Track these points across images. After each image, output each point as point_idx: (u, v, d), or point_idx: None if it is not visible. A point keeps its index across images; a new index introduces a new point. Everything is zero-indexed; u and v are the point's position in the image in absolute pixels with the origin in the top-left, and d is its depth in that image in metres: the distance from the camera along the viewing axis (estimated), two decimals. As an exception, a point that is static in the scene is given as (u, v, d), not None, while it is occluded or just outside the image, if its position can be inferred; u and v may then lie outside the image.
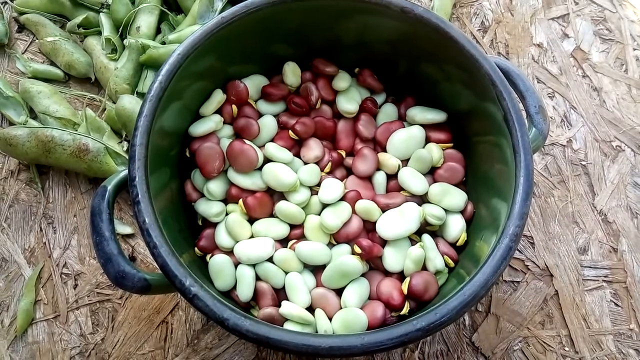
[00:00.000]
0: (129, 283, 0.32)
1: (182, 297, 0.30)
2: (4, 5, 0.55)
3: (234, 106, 0.41)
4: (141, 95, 0.48)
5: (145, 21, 0.50)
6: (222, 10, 0.49)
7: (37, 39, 0.54)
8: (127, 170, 0.36)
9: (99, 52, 0.51)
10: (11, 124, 0.50)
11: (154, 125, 0.34)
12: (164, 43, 0.49)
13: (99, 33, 0.52)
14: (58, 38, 0.52)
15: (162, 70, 0.35)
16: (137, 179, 0.32)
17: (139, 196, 0.32)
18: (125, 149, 0.47)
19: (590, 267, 0.45)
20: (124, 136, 0.48)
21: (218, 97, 0.41)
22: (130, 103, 0.45)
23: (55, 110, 0.48)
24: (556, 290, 0.44)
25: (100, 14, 0.52)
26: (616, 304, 0.44)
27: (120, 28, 0.50)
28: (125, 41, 0.49)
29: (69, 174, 0.48)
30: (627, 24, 0.55)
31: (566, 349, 0.42)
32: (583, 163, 0.49)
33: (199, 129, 0.40)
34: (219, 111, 0.41)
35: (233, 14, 0.37)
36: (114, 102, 0.49)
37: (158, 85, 0.35)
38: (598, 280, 0.44)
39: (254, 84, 0.43)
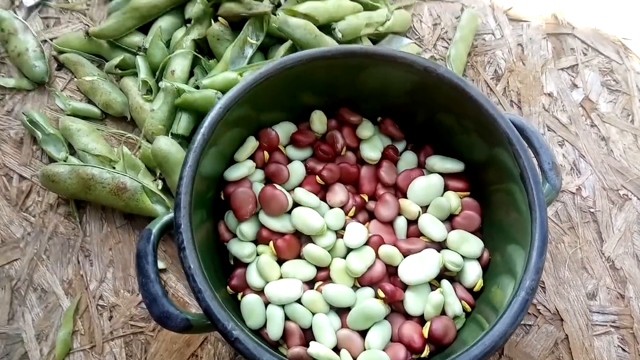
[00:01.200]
0: (172, 323, 0.35)
1: (224, 338, 0.32)
2: (44, 43, 0.59)
3: (265, 152, 0.44)
4: (175, 136, 0.51)
5: (180, 65, 0.53)
6: (252, 58, 0.52)
7: (75, 77, 0.57)
8: (167, 216, 0.39)
9: (134, 92, 0.54)
10: (51, 159, 0.53)
11: (195, 174, 0.37)
12: (197, 87, 0.52)
13: (135, 74, 0.55)
14: (96, 78, 0.55)
15: (205, 123, 0.38)
16: (182, 226, 0.35)
17: (185, 243, 0.34)
18: (159, 187, 0.50)
19: (598, 312, 0.47)
20: (157, 174, 0.51)
21: (251, 143, 0.44)
22: (166, 144, 0.48)
23: (94, 148, 0.51)
24: (566, 335, 0.46)
25: (137, 56, 0.55)
26: (623, 349, 0.46)
27: (157, 72, 0.53)
28: (160, 84, 0.52)
29: (105, 209, 0.51)
30: (633, 76, 0.58)
31: (575, 390, 0.44)
32: (592, 210, 0.51)
33: (233, 173, 0.43)
34: (251, 157, 0.44)
35: (269, 71, 0.40)
36: (149, 141, 0.52)
37: (201, 137, 0.38)
38: (606, 325, 0.47)
39: (283, 130, 0.45)
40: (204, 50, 0.55)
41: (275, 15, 0.52)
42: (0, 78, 0.57)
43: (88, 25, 0.60)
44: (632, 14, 0.62)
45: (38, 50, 0.57)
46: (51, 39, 0.59)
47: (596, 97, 0.57)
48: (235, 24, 0.53)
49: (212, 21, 0.53)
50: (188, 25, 0.54)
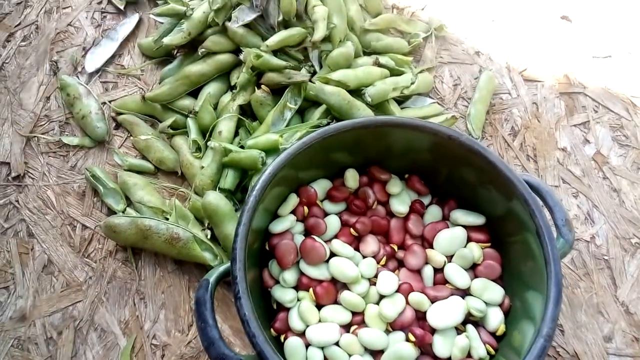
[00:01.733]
0: (228, 364, 0.39)
1: (275, 379, 0.37)
2: (104, 105, 0.66)
3: (305, 207, 0.49)
4: (222, 191, 0.56)
5: (226, 126, 0.59)
6: (290, 120, 0.58)
7: (131, 136, 0.64)
8: (222, 267, 0.44)
9: (185, 150, 0.60)
10: (110, 210, 0.59)
11: (249, 231, 0.43)
12: (242, 146, 0.58)
13: (185, 134, 0.62)
14: (150, 137, 0.62)
15: (257, 186, 0.44)
16: (238, 278, 0.40)
17: (240, 292, 0.39)
18: (208, 236, 0.55)
19: (615, 354, 0.50)
20: (206, 224, 0.56)
21: (293, 200, 0.49)
22: (215, 199, 0.54)
23: (149, 200, 0.57)
24: (584, 375, 0.50)
25: (188, 118, 0.61)
26: (639, 390, 0.49)
27: (208, 133, 0.59)
28: (209, 143, 0.58)
29: (158, 255, 0.56)
30: (642, 131, 0.63)
31: None
32: (605, 258, 0.55)
33: (277, 227, 0.48)
34: (293, 211, 0.49)
35: (311, 140, 0.46)
36: (198, 194, 0.58)
37: (253, 199, 0.43)
38: (622, 367, 0.50)
39: (320, 187, 0.51)
40: (248, 113, 0.61)
41: (311, 82, 0.58)
42: (65, 137, 0.64)
43: (143, 90, 0.67)
44: (639, 74, 0.67)
45: (100, 112, 0.64)
46: (110, 101, 0.66)
47: (607, 151, 0.62)
48: (276, 91, 0.59)
49: (256, 88, 0.60)
50: (233, 90, 0.61)
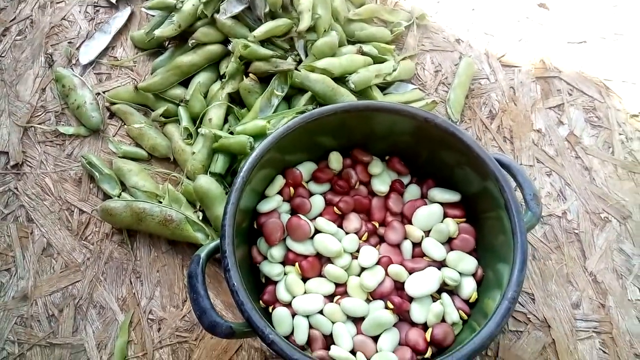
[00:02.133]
0: (219, 330, 0.42)
1: (262, 341, 0.40)
2: (98, 95, 0.68)
3: (291, 188, 0.52)
4: (213, 175, 0.59)
5: (216, 114, 0.62)
6: (277, 107, 0.61)
7: (125, 125, 0.66)
8: (212, 244, 0.47)
9: (177, 137, 0.63)
10: (106, 195, 0.62)
11: (237, 209, 0.46)
12: (231, 132, 0.61)
13: (177, 122, 0.64)
14: (143, 125, 0.64)
15: (244, 167, 0.47)
16: (227, 252, 0.43)
17: (229, 265, 0.42)
18: (200, 218, 0.58)
19: (582, 320, 0.54)
20: (198, 207, 0.59)
21: (279, 181, 0.52)
22: (206, 182, 0.57)
23: (143, 185, 0.60)
24: (553, 339, 0.53)
25: (179, 107, 0.64)
26: (604, 352, 0.52)
27: (197, 120, 0.62)
28: (200, 130, 0.61)
29: (153, 237, 0.59)
30: (613, 113, 0.66)
31: (562, 390, 0.51)
32: (576, 231, 0.58)
33: (265, 206, 0.51)
34: (279, 192, 0.52)
35: (295, 124, 0.48)
36: (190, 179, 0.61)
37: (241, 179, 0.46)
38: (589, 331, 0.53)
39: (305, 169, 0.54)
40: (237, 101, 0.64)
41: (297, 70, 0.61)
42: (61, 126, 0.66)
43: (136, 80, 0.69)
44: (612, 58, 0.70)
45: (94, 103, 0.66)
46: (104, 92, 0.69)
47: (580, 132, 0.65)
48: (263, 79, 0.62)
49: (244, 77, 0.62)
50: (222, 79, 0.64)
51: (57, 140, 0.66)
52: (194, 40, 0.65)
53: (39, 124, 0.67)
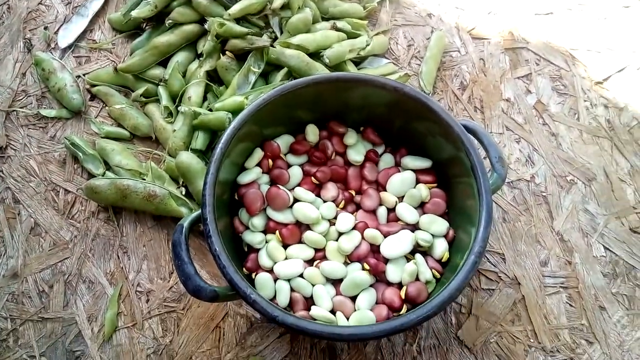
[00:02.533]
0: (203, 294, 0.44)
1: (245, 302, 0.42)
2: (78, 78, 0.70)
3: (269, 160, 0.54)
4: (194, 151, 0.61)
5: (195, 92, 0.63)
6: (255, 83, 0.63)
7: (106, 106, 0.68)
8: (195, 213, 0.49)
9: (158, 116, 0.64)
10: (90, 175, 0.63)
11: (216, 179, 0.47)
12: (210, 109, 0.62)
13: (157, 101, 0.66)
14: (124, 105, 0.66)
15: (222, 139, 0.48)
16: (208, 220, 0.45)
17: (211, 231, 0.45)
18: (183, 193, 0.60)
19: (549, 276, 0.57)
20: (180, 183, 0.61)
21: (258, 154, 0.54)
22: (187, 158, 0.58)
23: (126, 164, 0.62)
24: (523, 295, 0.56)
25: (159, 86, 0.65)
26: (570, 305, 0.56)
27: (177, 99, 0.64)
28: (179, 108, 0.62)
29: (138, 213, 0.61)
30: (579, 80, 0.69)
31: (531, 340, 0.54)
32: (544, 194, 0.61)
33: (244, 178, 0.53)
34: (258, 164, 0.54)
35: (270, 96, 0.50)
36: (172, 156, 0.62)
37: (219, 150, 0.48)
38: (556, 286, 0.57)
39: (283, 142, 0.56)
40: (215, 79, 0.66)
41: (273, 47, 0.62)
42: (43, 109, 0.68)
43: (115, 62, 0.70)
44: (577, 28, 0.73)
45: (74, 85, 0.67)
46: (84, 75, 0.70)
47: (547, 100, 0.67)
48: (240, 56, 0.64)
49: (221, 55, 0.64)
50: (200, 58, 0.65)
51: (39, 124, 0.67)
52: (170, 21, 0.66)
53: (20, 107, 0.68)
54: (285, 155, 0.56)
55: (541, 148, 0.64)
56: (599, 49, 0.71)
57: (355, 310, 0.48)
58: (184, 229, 0.47)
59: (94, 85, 0.68)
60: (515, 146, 0.64)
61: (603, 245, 0.59)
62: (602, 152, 0.64)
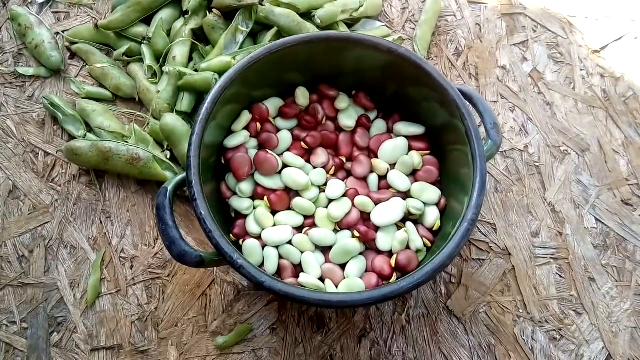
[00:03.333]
0: (189, 259, 0.43)
1: (231, 267, 0.41)
2: (57, 35, 0.66)
3: (258, 123, 0.52)
4: (180, 113, 0.59)
5: (180, 51, 0.61)
6: (243, 43, 0.60)
7: (87, 65, 0.65)
8: (179, 176, 0.47)
9: (141, 76, 0.62)
10: (71, 137, 0.61)
11: (202, 141, 0.46)
12: (196, 70, 0.60)
13: (140, 60, 0.63)
14: (106, 64, 0.63)
15: (207, 99, 0.46)
16: (193, 182, 0.43)
17: (196, 194, 0.43)
18: (168, 157, 0.58)
19: (540, 247, 0.56)
20: (165, 146, 0.59)
21: (245, 116, 0.52)
22: (172, 120, 0.56)
23: (108, 126, 0.59)
24: (513, 266, 0.56)
25: (142, 45, 0.63)
26: (560, 276, 0.55)
27: (161, 58, 0.61)
28: (164, 68, 0.60)
29: (121, 177, 0.59)
30: (575, 49, 0.67)
31: (520, 311, 0.54)
32: (537, 164, 0.60)
33: (231, 141, 0.51)
34: (246, 127, 0.52)
35: (259, 55, 0.48)
36: (156, 118, 0.60)
37: (205, 111, 0.46)
38: (546, 257, 0.56)
39: (272, 105, 0.54)
40: (201, 38, 0.63)
41: (262, 5, 0.60)
42: (20, 67, 0.64)
43: (96, 19, 0.67)
44: (576, -6, 0.71)
45: (53, 42, 0.64)
46: (63, 32, 0.66)
47: (543, 68, 0.66)
48: (228, 14, 0.61)
49: (207, 12, 0.61)
50: (186, 16, 0.62)
51: (16, 82, 0.64)
52: (155, -24, 0.63)
53: (-4, 65, 0.65)
54: (274, 118, 0.54)
55: (535, 117, 0.63)
56: (597, 16, 0.69)
57: (344, 278, 0.47)
58: (168, 192, 0.45)
59: (74, 43, 0.65)
60: (509, 115, 0.63)
61: (594, 217, 0.58)
62: (597, 122, 0.63)
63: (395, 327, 0.53)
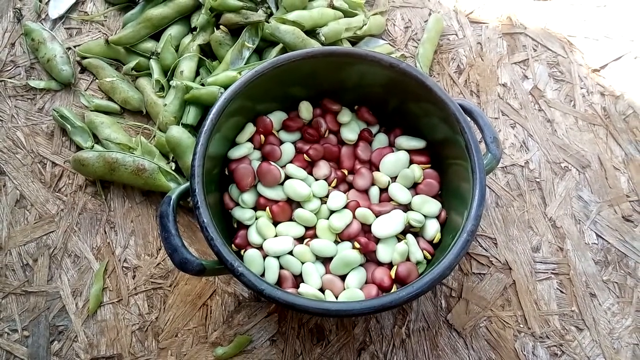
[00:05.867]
0: (190, 267, 0.44)
1: (232, 275, 0.42)
2: (69, 50, 0.68)
3: (262, 136, 0.53)
4: (186, 126, 0.60)
5: (187, 66, 0.62)
6: (249, 59, 0.62)
7: (97, 79, 0.66)
8: (183, 185, 0.48)
9: (149, 90, 0.63)
10: (79, 148, 0.62)
11: (206, 151, 0.46)
12: (202, 84, 0.61)
13: (149, 75, 0.65)
14: (115, 79, 0.64)
15: (212, 110, 0.47)
16: (197, 191, 0.44)
17: (199, 202, 0.44)
18: (173, 168, 0.59)
19: (541, 262, 0.56)
20: (171, 158, 0.60)
21: (250, 129, 0.53)
22: (178, 132, 0.57)
23: (115, 138, 0.60)
24: (514, 280, 0.56)
25: (151, 60, 0.64)
26: (561, 291, 0.55)
27: (168, 73, 0.62)
28: (171, 82, 0.61)
29: (126, 187, 0.60)
30: (575, 67, 0.68)
31: (521, 326, 0.54)
32: (537, 180, 0.61)
33: (235, 153, 0.52)
34: (250, 140, 0.53)
35: (263, 69, 0.49)
36: (162, 131, 0.61)
37: (210, 122, 0.47)
38: (547, 272, 0.56)
39: (276, 118, 0.55)
40: (208, 54, 0.64)
41: (268, 22, 0.61)
42: (32, 80, 0.66)
43: (107, 35, 0.69)
44: (576, 15, 0.72)
45: (64, 56, 0.66)
46: (74, 47, 0.68)
47: (544, 86, 0.67)
48: (234, 31, 0.62)
49: (215, 29, 0.62)
50: (194, 32, 0.64)
51: (28, 95, 0.66)
52: (164, -7, 0.65)
53: (9, 78, 0.66)
54: (277, 131, 0.55)
55: (536, 134, 0.63)
56: (596, 36, 0.70)
57: (344, 289, 0.48)
58: (172, 201, 0.46)
59: (85, 58, 0.67)
60: (510, 131, 0.64)
61: (595, 233, 0.58)
62: (597, 139, 0.63)
63: (395, 341, 0.53)
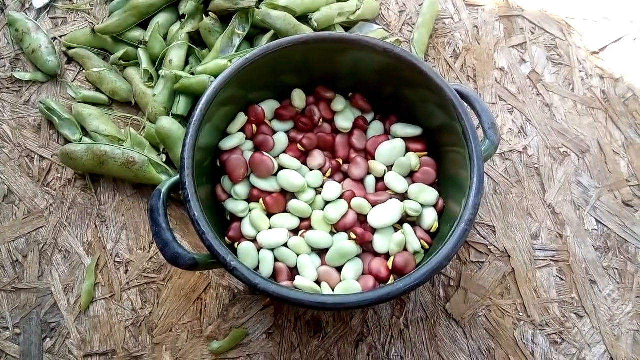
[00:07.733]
0: (182, 262, 0.42)
1: (225, 269, 0.40)
2: (54, 40, 0.66)
3: (254, 125, 0.52)
4: (176, 117, 0.58)
5: (176, 55, 0.60)
6: (239, 46, 0.60)
7: (84, 69, 0.64)
8: (173, 178, 0.46)
9: (138, 80, 0.62)
10: (67, 141, 0.61)
11: (196, 142, 0.45)
12: (192, 73, 0.59)
13: (137, 64, 0.63)
14: (102, 69, 0.63)
15: (202, 100, 0.46)
16: (187, 183, 0.43)
17: (190, 196, 0.42)
18: (163, 160, 0.58)
19: (540, 249, 0.56)
20: (161, 149, 0.58)
21: (241, 118, 0.52)
22: (168, 123, 0.56)
23: (104, 130, 0.59)
24: (513, 268, 0.55)
25: (139, 49, 0.62)
26: (561, 279, 0.55)
27: (157, 62, 0.61)
28: (160, 72, 0.60)
29: (117, 181, 0.59)
30: (574, 50, 0.66)
31: (520, 314, 0.53)
32: (536, 166, 0.60)
33: (227, 143, 0.51)
34: (242, 130, 0.52)
35: (254, 56, 0.48)
36: (152, 122, 0.60)
37: (199, 112, 0.45)
38: (547, 260, 0.55)
39: (268, 107, 0.53)
40: (197, 42, 0.63)
41: (258, 8, 0.60)
42: (17, 72, 0.64)
43: (93, 24, 0.67)
44: (574, -4, 0.71)
45: (50, 47, 0.64)
46: (60, 37, 0.66)
47: (542, 70, 0.65)
48: (224, 18, 0.61)
49: (204, 16, 0.61)
50: (182, 20, 0.62)
51: (13, 87, 0.64)
52: (151, -20, 0.63)
53: (-7, 70, 0.65)
54: (270, 121, 0.54)
55: (534, 119, 0.62)
56: (595, 18, 0.69)
57: (341, 281, 0.47)
58: (161, 194, 0.45)
59: (71, 48, 0.65)
60: (508, 116, 0.62)
61: (595, 219, 0.57)
62: (597, 123, 0.62)
63: (394, 331, 0.52)
